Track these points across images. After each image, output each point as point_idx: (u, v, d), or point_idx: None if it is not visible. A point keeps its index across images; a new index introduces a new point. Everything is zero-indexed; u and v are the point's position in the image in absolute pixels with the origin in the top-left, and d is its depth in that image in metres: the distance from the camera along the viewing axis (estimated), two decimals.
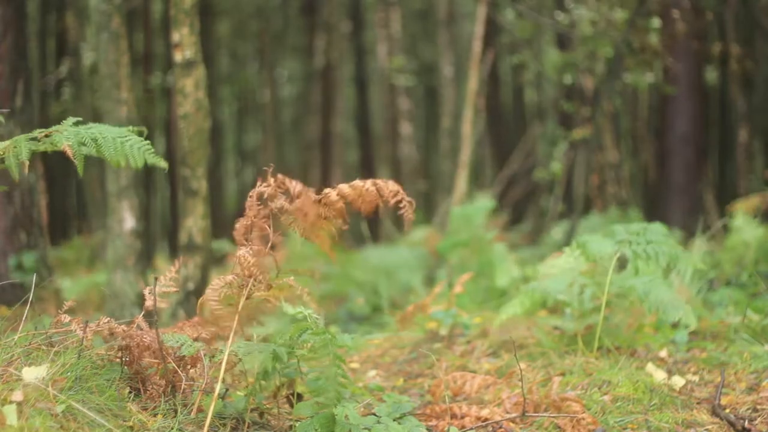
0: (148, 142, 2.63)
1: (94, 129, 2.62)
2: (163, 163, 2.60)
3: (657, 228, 3.77)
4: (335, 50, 16.81)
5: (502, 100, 17.35)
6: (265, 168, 2.53)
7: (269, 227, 2.51)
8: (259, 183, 2.52)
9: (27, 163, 2.53)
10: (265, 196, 2.49)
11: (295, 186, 2.47)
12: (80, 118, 2.72)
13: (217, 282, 2.50)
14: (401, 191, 2.48)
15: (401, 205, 2.47)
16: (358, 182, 2.50)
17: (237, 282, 2.51)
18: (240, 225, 2.52)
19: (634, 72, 8.97)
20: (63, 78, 13.60)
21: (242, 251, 2.47)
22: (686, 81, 9.42)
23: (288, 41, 19.74)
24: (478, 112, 12.50)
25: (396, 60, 15.70)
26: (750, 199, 7.56)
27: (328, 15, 16.55)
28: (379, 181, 2.50)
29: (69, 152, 2.51)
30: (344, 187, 2.48)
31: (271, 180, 2.50)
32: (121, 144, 2.59)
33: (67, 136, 2.55)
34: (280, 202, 2.49)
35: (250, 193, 2.52)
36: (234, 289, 2.50)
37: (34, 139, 2.61)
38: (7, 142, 2.57)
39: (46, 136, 2.59)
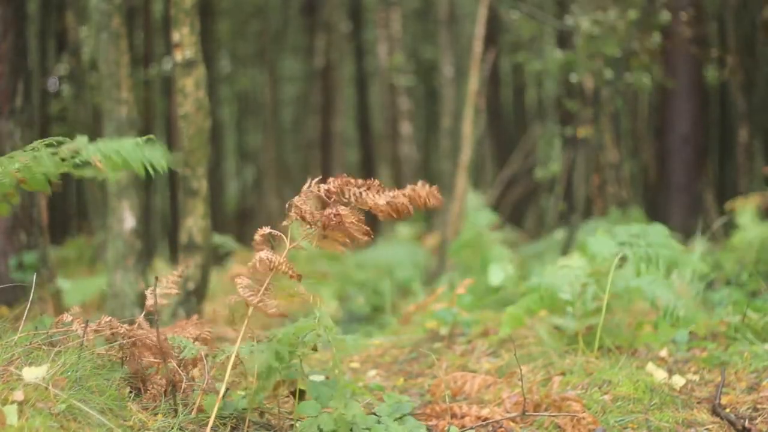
0: (159, 145, 2.66)
1: (110, 144, 2.65)
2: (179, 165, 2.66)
3: (657, 230, 3.76)
4: (335, 50, 16.81)
5: (502, 100, 17.34)
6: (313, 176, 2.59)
7: (286, 234, 2.56)
8: (315, 183, 2.55)
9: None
10: (331, 196, 2.53)
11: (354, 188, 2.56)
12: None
13: (239, 282, 2.55)
14: (431, 191, 2.55)
15: (432, 203, 2.57)
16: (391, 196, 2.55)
17: (252, 285, 2.55)
18: (260, 234, 2.58)
19: (635, 72, 8.95)
20: (63, 76, 13.59)
21: (262, 253, 2.51)
22: (686, 81, 9.41)
23: (288, 41, 19.73)
24: (479, 112, 12.48)
25: (395, 57, 15.68)
26: (750, 198, 7.54)
27: (328, 15, 16.55)
28: (408, 191, 2.55)
29: (99, 165, 2.55)
30: (380, 202, 2.54)
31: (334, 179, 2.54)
32: (141, 153, 2.62)
33: (94, 151, 2.59)
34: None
35: (304, 190, 2.57)
36: (248, 292, 2.53)
37: (54, 152, 2.62)
38: (27, 158, 2.57)
39: (73, 156, 2.61)
